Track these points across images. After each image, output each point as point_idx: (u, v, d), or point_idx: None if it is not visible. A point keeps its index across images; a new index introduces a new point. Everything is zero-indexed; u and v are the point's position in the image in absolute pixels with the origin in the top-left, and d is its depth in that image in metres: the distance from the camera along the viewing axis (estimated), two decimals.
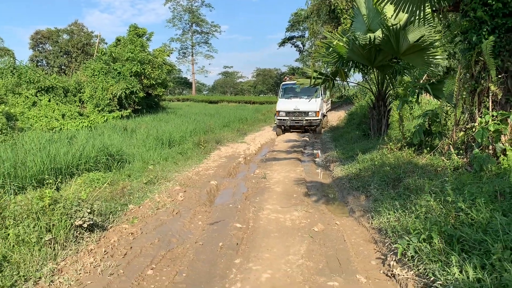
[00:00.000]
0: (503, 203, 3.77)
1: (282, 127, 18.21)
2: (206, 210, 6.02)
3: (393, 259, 3.80)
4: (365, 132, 12.88)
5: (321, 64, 24.84)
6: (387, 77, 12.14)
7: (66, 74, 50.99)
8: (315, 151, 12.79)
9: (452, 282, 2.94)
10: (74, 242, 4.41)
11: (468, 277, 2.87)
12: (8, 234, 4.15)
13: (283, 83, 20.40)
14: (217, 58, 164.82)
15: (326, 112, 21.53)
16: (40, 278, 3.63)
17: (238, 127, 20.06)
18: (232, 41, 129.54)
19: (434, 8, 6.72)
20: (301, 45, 60.36)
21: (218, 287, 3.49)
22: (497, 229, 3.18)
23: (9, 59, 24.51)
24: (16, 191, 6.04)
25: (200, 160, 10.76)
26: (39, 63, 58.59)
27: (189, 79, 76.31)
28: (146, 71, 25.07)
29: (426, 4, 6.97)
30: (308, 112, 17.57)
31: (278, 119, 17.96)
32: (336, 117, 23.84)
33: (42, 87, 20.19)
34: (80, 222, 4.55)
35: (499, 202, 3.83)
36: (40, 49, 60.87)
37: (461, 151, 6.21)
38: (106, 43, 58.62)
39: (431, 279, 3.18)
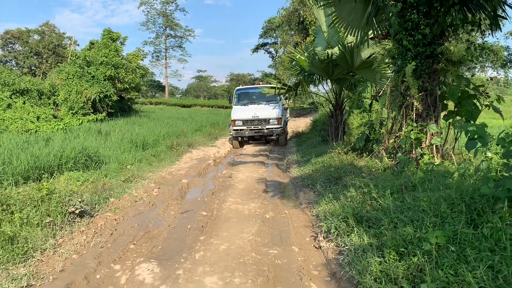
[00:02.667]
0: (404, 193, 4.99)
1: (239, 138, 16.05)
2: (178, 203, 7.08)
3: (321, 236, 4.97)
4: (324, 138, 14.15)
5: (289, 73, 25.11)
6: (344, 89, 13.44)
7: (36, 75, 50.67)
8: (279, 155, 13.94)
9: (353, 246, 4.12)
10: (68, 225, 5.41)
11: (363, 242, 4.06)
12: (14, 217, 5.11)
13: (237, 88, 18.45)
14: (191, 62, 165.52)
15: (287, 121, 19.20)
16: (45, 249, 4.63)
17: (209, 132, 20.99)
18: (206, 45, 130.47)
19: (371, 36, 7.99)
20: (273, 52, 61.68)
21: (186, 253, 4.58)
22: (390, 210, 4.40)
23: None
24: (11, 184, 6.93)
25: (173, 162, 11.76)
26: (8, 63, 57.80)
27: (162, 83, 76.64)
28: (120, 75, 25.68)
29: (367, 31, 8.32)
30: (269, 119, 15.55)
31: (234, 130, 15.70)
32: (304, 123, 25.15)
33: (17, 89, 20.62)
34: (73, 209, 5.55)
35: (401, 193, 5.06)
36: (9, 49, 59.99)
37: (391, 155, 7.49)
38: (79, 45, 58.37)
39: (343, 246, 4.36)
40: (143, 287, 3.82)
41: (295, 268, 4.22)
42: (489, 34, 8.19)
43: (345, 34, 9.11)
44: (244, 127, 15.53)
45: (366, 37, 8.28)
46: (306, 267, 4.30)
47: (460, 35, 7.99)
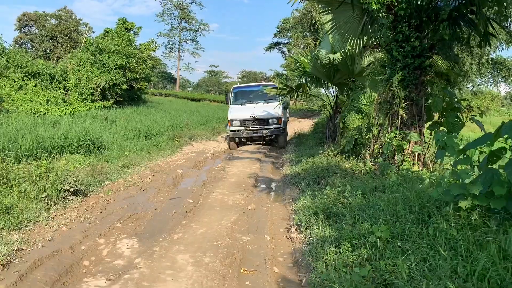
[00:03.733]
0: (374, 194, 5.35)
1: (237, 139, 15.07)
2: (168, 190, 7.49)
3: (294, 228, 5.34)
4: (321, 140, 14.48)
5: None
6: (344, 93, 13.75)
7: (51, 58, 51.44)
8: (276, 154, 14.27)
9: (317, 237, 4.50)
10: (62, 201, 5.85)
11: (325, 234, 4.44)
12: (13, 190, 5.55)
13: (234, 86, 17.45)
14: (204, 56, 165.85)
15: (287, 121, 17.94)
16: (38, 221, 5.06)
17: (214, 126, 21.39)
18: (221, 40, 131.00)
19: (364, 45, 8.33)
20: (287, 52, 61.71)
21: (166, 234, 4.99)
22: (354, 208, 4.77)
23: None
24: (13, 161, 7.39)
25: (172, 153, 12.19)
26: (24, 45, 58.67)
27: (174, 75, 77.12)
28: (130, 64, 26.10)
29: (362, 40, 8.67)
30: (269, 119, 14.64)
31: (231, 131, 14.75)
32: (309, 125, 25.43)
33: (29, 72, 21.19)
34: (68, 187, 5.98)
35: (371, 194, 5.42)
36: (26, 31, 60.84)
37: (375, 160, 7.83)
38: (94, 32, 59.04)
39: (310, 237, 4.73)
40: (121, 259, 4.24)
41: (263, 253, 4.60)
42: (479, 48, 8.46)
43: (342, 42, 9.43)
44: (242, 128, 14.62)
45: (360, 46, 8.61)
46: (273, 254, 4.68)
47: (472, 50, 8.32)
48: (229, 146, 15.15)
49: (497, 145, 3.95)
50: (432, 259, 3.24)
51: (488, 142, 3.80)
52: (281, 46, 62.57)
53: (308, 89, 13.97)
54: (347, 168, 7.95)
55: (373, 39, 8.39)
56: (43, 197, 5.60)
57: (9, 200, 5.25)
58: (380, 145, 7.78)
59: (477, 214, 3.65)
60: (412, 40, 7.17)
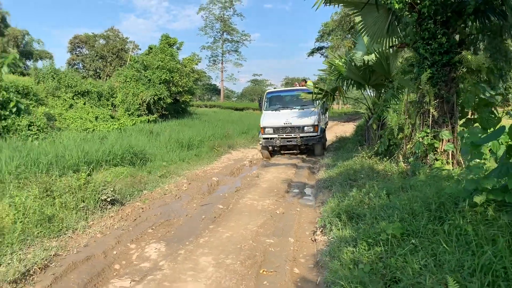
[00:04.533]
0: (398, 194, 5.31)
1: (270, 147, 14.28)
2: (202, 197, 7.74)
3: (319, 230, 5.40)
4: (361, 143, 14.31)
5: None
6: (381, 95, 13.56)
7: (101, 77, 54.03)
8: (314, 159, 14.20)
9: (336, 237, 4.54)
10: (100, 210, 6.22)
11: (345, 234, 4.47)
12: (55, 202, 5.99)
13: (267, 91, 16.26)
14: (247, 66, 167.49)
15: (325, 127, 16.91)
16: (76, 229, 5.43)
17: (254, 134, 21.62)
18: (263, 49, 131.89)
19: (393, 45, 8.27)
20: (329, 56, 60.86)
21: (193, 238, 5.20)
22: (376, 208, 4.76)
23: (50, 65, 27.14)
24: (59, 175, 7.91)
25: (211, 162, 12.51)
26: (76, 66, 62.08)
27: (218, 86, 78.56)
28: (174, 78, 26.96)
29: (390, 39, 8.61)
30: (304, 126, 13.66)
31: (264, 139, 13.88)
32: (352, 128, 25.15)
33: (79, 91, 22.41)
34: (105, 197, 6.36)
35: (397, 194, 5.37)
36: (77, 52, 64.26)
37: (408, 160, 7.70)
38: (140, 49, 61.37)
39: (331, 238, 4.78)
40: (147, 262, 4.49)
41: (285, 255, 4.69)
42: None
43: (371, 42, 9.40)
44: (275, 135, 13.69)
45: (389, 46, 8.55)
46: (296, 255, 4.76)
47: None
48: (262, 154, 14.38)
49: None
50: (443, 255, 3.22)
51: (504, 135, 3.72)
52: (323, 51, 62.11)
53: (344, 92, 13.93)
54: (380, 170, 7.88)
55: (401, 38, 8.31)
56: (82, 207, 6.00)
57: (51, 211, 5.68)
58: (413, 145, 7.65)
59: (493, 209, 3.58)
60: (439, 37, 7.04)
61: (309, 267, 4.41)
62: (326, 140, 16.31)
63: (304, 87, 14.74)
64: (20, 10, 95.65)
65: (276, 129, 13.71)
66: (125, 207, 6.66)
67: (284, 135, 13.63)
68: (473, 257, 3.02)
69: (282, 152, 14.72)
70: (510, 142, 3.96)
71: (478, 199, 3.64)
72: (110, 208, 6.42)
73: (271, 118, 14.07)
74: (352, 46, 31.20)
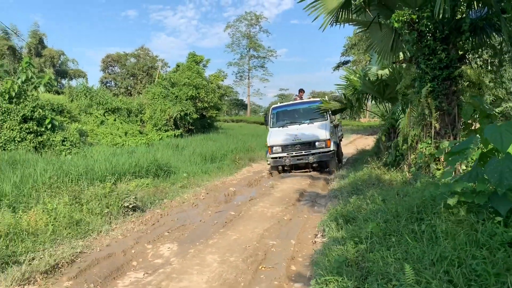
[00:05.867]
0: (393, 200, 5.71)
1: (279, 167, 13.17)
2: (217, 205, 8.29)
3: (320, 234, 5.85)
4: (377, 155, 14.61)
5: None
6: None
7: (132, 94, 55.88)
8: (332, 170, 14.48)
9: (332, 237, 5.00)
10: (122, 216, 6.88)
11: (337, 235, 4.92)
12: (83, 208, 6.67)
13: (273, 106, 14.68)
14: (274, 80, 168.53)
15: (339, 140, 15.62)
16: (100, 231, 6.07)
17: None
18: (289, 64, 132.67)
19: (393, 61, 8.70)
20: (356, 68, 60.80)
21: (203, 240, 5.75)
22: (368, 212, 5.20)
23: (83, 83, 28.61)
24: (88, 185, 8.65)
25: (231, 173, 13.10)
26: (108, 84, 64.42)
27: (245, 101, 79.62)
28: (200, 95, 27.88)
29: (396, 55, 9.06)
30: (315, 142, 12.40)
31: (272, 158, 12.73)
32: (373, 141, 25.34)
33: (110, 108, 23.59)
34: (127, 204, 7.01)
35: (391, 200, 5.77)
36: (109, 71, 66.66)
37: (412, 169, 8.05)
38: (169, 67, 63.13)
39: (327, 240, 5.23)
40: (160, 258, 5.07)
41: (285, 255, 5.17)
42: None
43: (378, 58, 9.84)
44: (284, 154, 12.56)
45: (393, 61, 8.98)
46: (295, 255, 5.23)
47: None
48: (271, 175, 13.16)
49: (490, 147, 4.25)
50: (413, 249, 3.65)
51: (472, 145, 4.13)
52: (348, 65, 62.21)
53: (362, 105, 14.33)
54: (385, 180, 8.25)
55: (405, 54, 8.73)
56: (106, 212, 6.66)
57: (79, 215, 6.36)
58: (416, 155, 8.00)
59: (465, 210, 3.97)
60: (438, 52, 7.44)
61: (305, 265, 4.87)
62: (342, 154, 15.52)
63: (315, 99, 14.34)
64: (56, 32, 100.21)
65: (284, 147, 12.59)
66: (145, 214, 7.29)
67: (294, 153, 12.54)
68: (435, 250, 3.43)
69: (293, 171, 13.47)
70: (483, 150, 4.35)
71: (451, 201, 4.04)
72: (131, 214, 7.06)
73: (278, 135, 12.92)
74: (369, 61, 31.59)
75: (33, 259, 4.71)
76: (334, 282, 3.53)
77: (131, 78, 64.62)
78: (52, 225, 5.79)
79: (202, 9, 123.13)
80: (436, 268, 3.18)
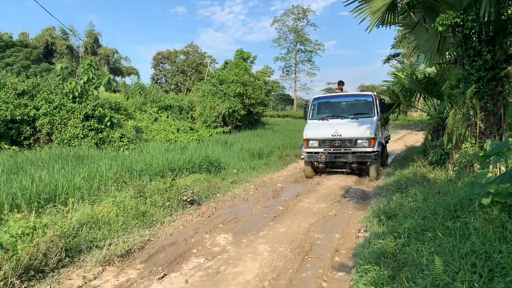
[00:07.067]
0: (434, 198, 6.03)
1: (315, 163, 12.18)
2: (266, 200, 8.85)
3: (363, 229, 6.27)
4: (425, 153, 14.63)
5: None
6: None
7: (181, 91, 57.61)
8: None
9: (373, 232, 5.41)
10: (181, 208, 7.59)
11: (378, 230, 5.33)
12: (146, 201, 7.43)
13: (314, 97, 13.35)
14: (322, 74, 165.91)
15: (385, 142, 14.13)
16: (163, 222, 6.81)
17: None
18: (338, 57, 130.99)
19: (440, 61, 8.86)
20: (406, 62, 59.29)
21: (254, 231, 6.32)
22: (409, 209, 5.57)
23: (138, 82, 30.08)
24: (149, 180, 9.48)
25: (278, 170, 13.63)
26: (159, 81, 66.63)
27: (291, 96, 79.74)
28: (247, 91, 28.54)
29: (442, 56, 9.20)
30: (357, 140, 11.19)
31: (307, 153, 11.82)
32: (421, 137, 25.03)
33: (163, 105, 24.76)
34: (186, 198, 7.71)
35: (433, 198, 6.09)
36: (160, 68, 68.81)
37: (456, 169, 8.23)
38: (217, 63, 64.34)
39: (369, 235, 5.65)
40: (217, 247, 5.69)
41: (329, 247, 5.64)
42: None
43: (425, 58, 10.00)
44: (321, 150, 11.54)
45: (439, 62, 9.15)
46: (339, 248, 5.69)
47: None
48: (304, 172, 12.26)
49: None
50: (446, 244, 4.02)
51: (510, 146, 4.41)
52: (399, 57, 60.61)
53: (409, 101, 14.42)
54: (430, 178, 8.48)
55: (451, 55, 8.87)
56: (167, 205, 7.39)
57: (144, 208, 7.12)
58: (460, 155, 8.18)
59: (498, 209, 4.29)
60: (484, 54, 7.59)
61: (348, 257, 5.33)
62: (387, 157, 14.43)
63: (364, 93, 13.59)
64: (110, 31, 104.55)
65: (322, 142, 11.55)
66: (201, 207, 7.98)
67: (332, 149, 11.42)
68: (466, 245, 3.80)
69: (328, 169, 12.56)
70: None
71: (485, 201, 4.36)
72: (189, 207, 7.77)
73: (316, 129, 11.85)
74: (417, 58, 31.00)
75: (110, 244, 5.46)
76: (372, 271, 3.97)
77: (181, 75, 66.32)
78: (122, 216, 6.57)
79: (250, 3, 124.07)
80: (464, 260, 3.56)
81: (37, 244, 4.51)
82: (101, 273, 4.73)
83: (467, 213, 4.53)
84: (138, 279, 4.61)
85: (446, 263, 3.54)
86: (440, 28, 7.52)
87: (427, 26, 8.57)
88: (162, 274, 4.66)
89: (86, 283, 4.46)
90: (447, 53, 9.02)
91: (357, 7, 8.74)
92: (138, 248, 5.50)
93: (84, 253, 5.13)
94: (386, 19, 8.71)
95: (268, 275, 4.61)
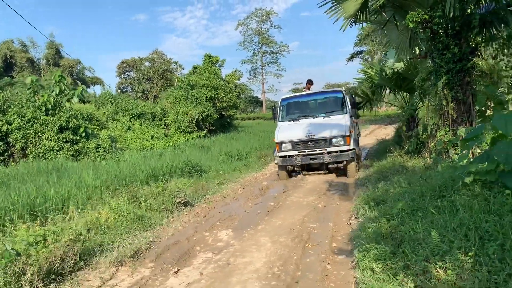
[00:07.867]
0: (419, 182, 6.48)
1: (289, 167, 11.34)
2: (255, 198, 9.16)
3: (353, 216, 6.67)
4: (399, 144, 15.30)
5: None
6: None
7: (148, 98, 57.09)
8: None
9: (366, 217, 5.81)
10: (176, 210, 7.80)
11: (370, 215, 5.73)
12: (141, 205, 7.60)
13: (283, 97, 12.71)
14: (288, 75, 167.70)
15: (358, 138, 13.81)
16: (162, 224, 7.01)
17: None
18: (303, 57, 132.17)
19: (410, 56, 9.43)
20: (370, 59, 60.62)
21: (252, 226, 6.63)
22: (395, 194, 6.00)
23: (108, 91, 29.80)
24: (139, 185, 9.58)
25: (259, 170, 13.98)
26: (125, 89, 65.70)
27: (260, 98, 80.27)
28: (219, 95, 28.76)
29: (413, 51, 9.78)
30: (331, 139, 10.65)
31: (280, 157, 11.12)
32: (393, 131, 25.91)
33: (135, 113, 24.64)
34: (179, 200, 7.93)
35: (416, 183, 6.55)
36: (125, 76, 67.79)
37: (433, 155, 8.78)
38: (183, 68, 63.96)
39: (361, 220, 6.04)
40: (221, 242, 5.96)
41: (325, 235, 6.00)
42: None
43: (396, 54, 10.57)
44: (295, 152, 10.92)
45: (410, 57, 9.72)
46: (334, 235, 6.06)
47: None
48: (279, 176, 11.65)
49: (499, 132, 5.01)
50: (437, 220, 4.44)
51: (484, 131, 4.90)
52: (362, 55, 61.87)
53: (379, 96, 15.09)
54: (409, 166, 9.00)
55: (421, 50, 9.45)
56: (163, 208, 7.60)
57: (140, 212, 7.29)
58: (435, 142, 8.74)
59: (480, 186, 4.75)
60: (451, 47, 8.15)
61: (344, 242, 5.70)
62: (361, 155, 13.65)
63: (333, 89, 13.45)
64: (70, 41, 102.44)
65: (295, 144, 10.94)
66: (194, 208, 8.21)
67: (307, 151, 10.85)
68: (455, 219, 4.22)
69: (304, 173, 11.75)
70: (494, 135, 5.10)
71: (468, 179, 4.82)
72: (183, 209, 7.99)
73: (288, 131, 11.26)
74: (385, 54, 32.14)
75: (118, 247, 5.64)
76: (374, 250, 4.34)
77: (147, 82, 65.54)
78: (120, 221, 6.73)
79: (211, 8, 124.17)
80: (457, 232, 3.98)
81: (55, 249, 4.66)
82: (115, 273, 4.92)
83: (452, 192, 4.97)
84: (152, 276, 4.83)
85: (441, 235, 3.95)
86: (410, 25, 8.03)
87: (397, 23, 9.10)
88: (176, 269, 4.89)
89: (104, 283, 4.64)
90: (418, 48, 9.58)
91: (331, 8, 9.19)
92: (145, 249, 5.71)
93: (96, 256, 5.30)
94: (358, 17, 9.20)
95: (276, 262, 4.92)
